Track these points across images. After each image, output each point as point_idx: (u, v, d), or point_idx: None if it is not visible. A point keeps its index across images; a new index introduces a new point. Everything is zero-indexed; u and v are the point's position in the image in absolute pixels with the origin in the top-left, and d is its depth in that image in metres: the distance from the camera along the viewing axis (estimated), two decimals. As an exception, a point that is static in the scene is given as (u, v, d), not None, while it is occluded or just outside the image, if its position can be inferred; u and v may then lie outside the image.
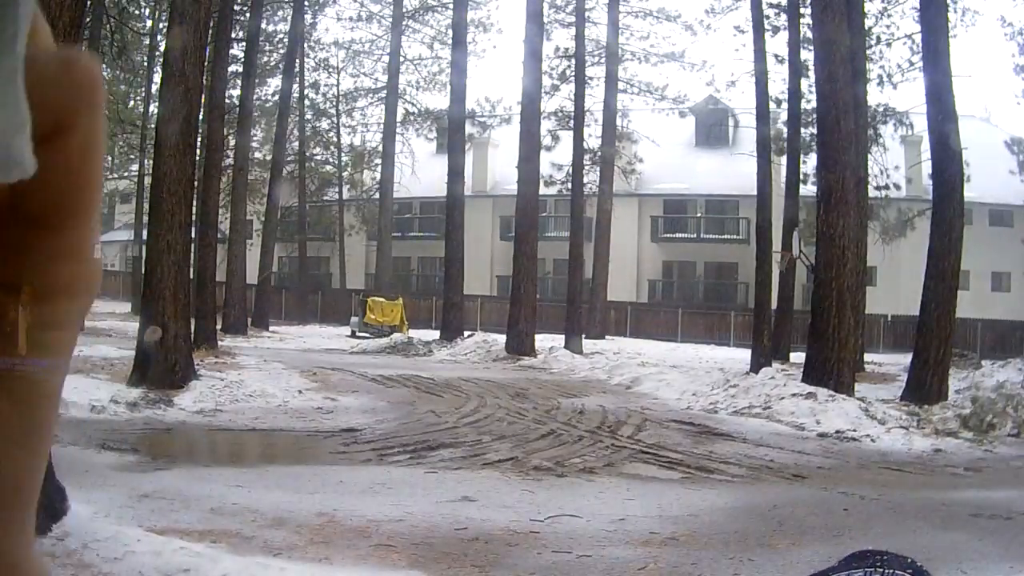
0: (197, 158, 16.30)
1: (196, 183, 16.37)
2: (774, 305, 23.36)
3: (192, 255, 16.74)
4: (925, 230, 17.37)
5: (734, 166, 33.26)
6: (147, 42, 32.90)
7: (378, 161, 39.31)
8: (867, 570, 0.73)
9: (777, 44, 27.25)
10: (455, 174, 26.99)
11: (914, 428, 12.70)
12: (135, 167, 38.62)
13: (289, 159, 37.98)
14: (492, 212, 40.62)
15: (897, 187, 28.60)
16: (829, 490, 8.54)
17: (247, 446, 10.81)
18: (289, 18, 34.71)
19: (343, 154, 42.18)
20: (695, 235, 39.93)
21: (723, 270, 39.86)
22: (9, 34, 0.52)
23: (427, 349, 25.52)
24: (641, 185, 39.23)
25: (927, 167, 18.52)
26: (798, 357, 19.30)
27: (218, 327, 22.98)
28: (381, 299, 31.36)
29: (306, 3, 35.00)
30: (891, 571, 0.73)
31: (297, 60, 35.78)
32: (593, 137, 32.45)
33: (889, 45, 27.78)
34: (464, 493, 7.72)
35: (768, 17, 25.14)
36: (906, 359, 17.72)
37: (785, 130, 26.54)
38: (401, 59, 38.22)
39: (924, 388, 15.28)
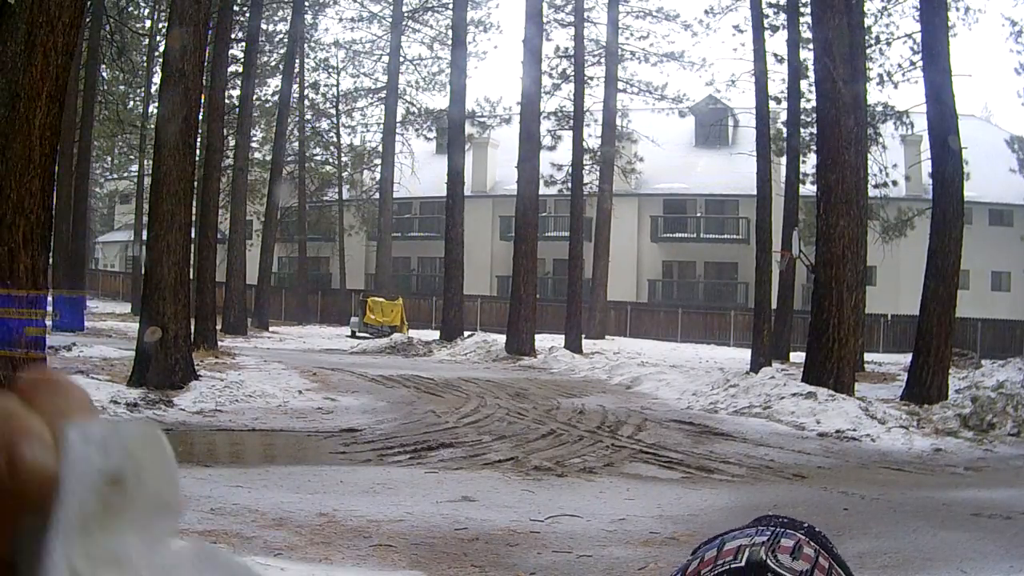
0: (197, 158, 16.27)
1: (196, 183, 16.35)
2: (774, 305, 23.35)
3: (192, 255, 16.74)
4: (925, 230, 17.34)
5: (734, 166, 33.25)
6: (147, 42, 32.95)
7: (378, 161, 39.29)
8: (760, 528, 0.86)
9: (777, 43, 27.28)
10: (455, 174, 26.98)
11: (914, 428, 12.69)
12: (135, 167, 38.69)
13: (289, 159, 37.96)
14: (492, 212, 40.59)
15: (895, 184, 28.58)
16: (829, 490, 8.53)
17: (247, 446, 10.81)
18: (289, 18, 34.72)
19: (343, 154, 42.17)
20: (695, 235, 39.90)
21: (723, 270, 39.83)
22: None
23: (427, 349, 25.50)
24: (641, 185, 39.21)
25: (927, 166, 18.51)
26: (798, 357, 19.29)
27: (218, 327, 22.98)
28: (381, 299, 31.35)
29: (306, 3, 34.99)
30: (783, 530, 0.84)
31: (297, 60, 35.77)
32: (593, 137, 32.44)
33: (889, 44, 27.73)
34: (464, 493, 7.72)
35: (767, 16, 25.12)
36: (906, 359, 17.71)
37: (785, 130, 26.53)
38: (401, 59, 38.21)
39: (924, 388, 15.25)
